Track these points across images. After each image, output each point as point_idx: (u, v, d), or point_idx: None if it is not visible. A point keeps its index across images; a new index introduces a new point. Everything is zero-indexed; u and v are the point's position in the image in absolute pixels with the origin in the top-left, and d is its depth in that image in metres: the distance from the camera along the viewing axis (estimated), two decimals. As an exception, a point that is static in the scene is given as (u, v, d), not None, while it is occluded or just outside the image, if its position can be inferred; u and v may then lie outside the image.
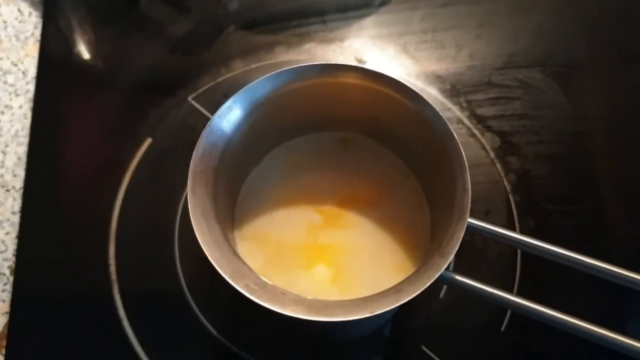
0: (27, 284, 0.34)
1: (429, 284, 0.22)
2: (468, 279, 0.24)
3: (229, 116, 0.25)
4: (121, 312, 0.33)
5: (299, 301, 0.22)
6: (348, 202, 0.30)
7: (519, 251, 0.34)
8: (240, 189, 0.29)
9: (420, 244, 0.28)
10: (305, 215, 0.29)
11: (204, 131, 0.24)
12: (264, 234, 0.29)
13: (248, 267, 0.23)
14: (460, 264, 0.34)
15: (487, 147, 0.37)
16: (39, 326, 0.33)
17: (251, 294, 0.21)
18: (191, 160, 0.23)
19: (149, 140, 0.38)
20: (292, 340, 0.32)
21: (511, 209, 0.36)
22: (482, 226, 0.25)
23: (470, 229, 0.25)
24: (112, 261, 0.34)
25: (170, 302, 0.33)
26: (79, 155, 0.38)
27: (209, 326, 0.32)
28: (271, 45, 0.41)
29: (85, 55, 0.41)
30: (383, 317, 0.31)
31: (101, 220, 0.35)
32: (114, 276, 0.34)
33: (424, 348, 0.32)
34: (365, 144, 0.31)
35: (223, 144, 0.24)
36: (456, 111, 0.39)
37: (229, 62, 0.40)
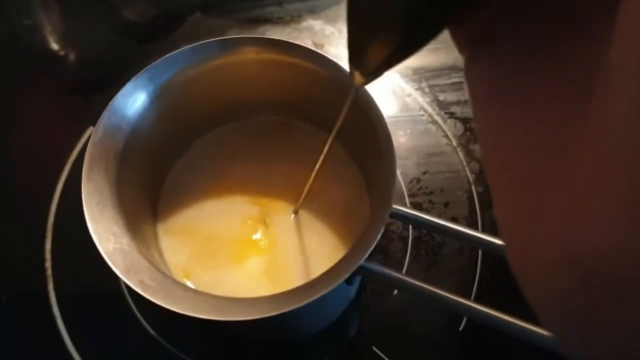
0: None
1: (343, 279, 0.19)
2: (394, 271, 0.22)
3: (133, 98, 0.22)
4: (55, 310, 0.31)
5: (202, 299, 0.20)
6: (286, 192, 0.27)
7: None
8: (164, 180, 0.27)
9: (358, 233, 0.26)
10: (239, 207, 0.27)
11: (104, 112, 0.22)
12: (191, 227, 0.27)
13: (147, 261, 0.20)
14: (417, 258, 0.31)
15: (449, 135, 0.35)
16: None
17: (144, 291, 0.19)
18: (89, 144, 0.21)
19: (91, 129, 0.36)
20: (234, 340, 0.30)
21: (473, 200, 0.33)
22: (410, 213, 0.22)
23: (400, 217, 0.22)
24: (48, 255, 0.33)
25: (107, 299, 0.32)
26: (20, 145, 0.36)
27: (146, 325, 0.30)
28: (224, 28, 0.39)
29: (33, 40, 0.40)
30: (325, 314, 0.29)
31: (39, 212, 0.33)
32: (49, 272, 0.32)
33: (374, 349, 0.30)
34: (304, 129, 0.28)
35: (129, 128, 0.22)
36: (417, 97, 0.36)
37: (179, 48, 0.38)
